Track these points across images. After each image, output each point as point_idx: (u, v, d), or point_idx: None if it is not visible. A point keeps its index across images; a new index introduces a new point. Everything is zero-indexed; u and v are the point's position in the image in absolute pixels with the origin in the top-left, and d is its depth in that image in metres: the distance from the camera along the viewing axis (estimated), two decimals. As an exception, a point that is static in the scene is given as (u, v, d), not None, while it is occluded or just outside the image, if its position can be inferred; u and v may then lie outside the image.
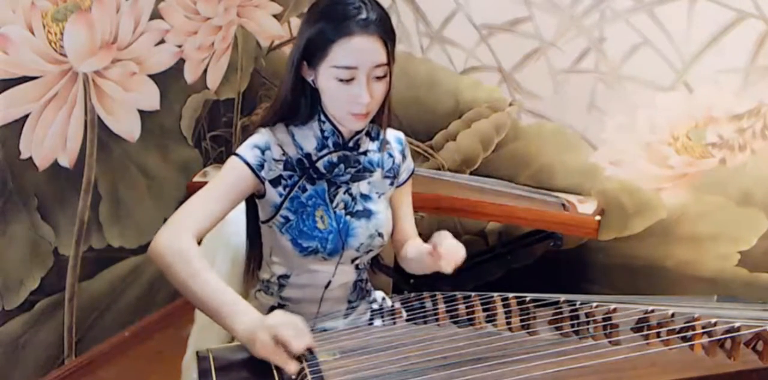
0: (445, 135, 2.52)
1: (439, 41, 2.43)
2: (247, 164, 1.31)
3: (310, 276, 1.41)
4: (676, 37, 2.11)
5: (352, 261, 1.43)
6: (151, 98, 2.35)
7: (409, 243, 1.53)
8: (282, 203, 1.35)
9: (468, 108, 2.46)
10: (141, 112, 2.32)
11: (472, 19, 2.35)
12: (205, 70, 2.56)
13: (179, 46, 2.40)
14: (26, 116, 1.94)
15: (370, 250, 1.43)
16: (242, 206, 1.41)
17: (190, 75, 2.49)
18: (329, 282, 1.43)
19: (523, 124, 2.40)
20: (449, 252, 1.32)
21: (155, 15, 2.28)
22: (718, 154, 2.16)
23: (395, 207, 1.52)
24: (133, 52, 2.22)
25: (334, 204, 1.38)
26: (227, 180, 1.31)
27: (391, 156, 1.47)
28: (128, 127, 2.28)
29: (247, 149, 1.32)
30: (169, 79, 2.39)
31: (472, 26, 2.36)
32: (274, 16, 2.69)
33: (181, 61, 2.43)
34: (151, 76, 2.32)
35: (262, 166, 1.32)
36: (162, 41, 2.33)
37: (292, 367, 1.10)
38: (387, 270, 2.08)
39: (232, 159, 1.32)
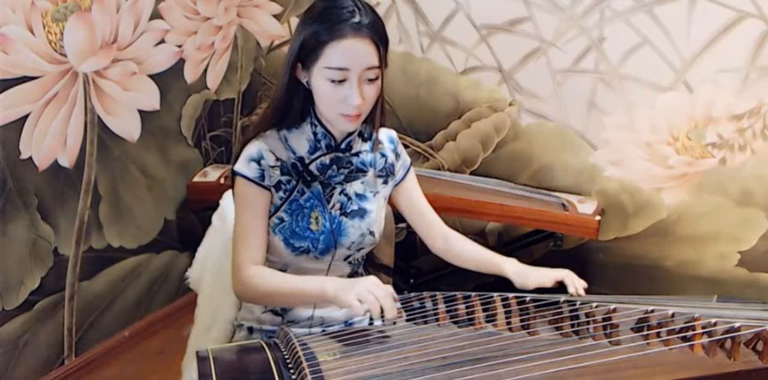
0: (445, 135, 2.52)
1: (439, 41, 2.43)
2: (250, 179, 1.36)
3: (304, 272, 1.45)
4: (676, 37, 2.11)
5: (345, 258, 1.48)
6: (151, 98, 2.35)
7: (463, 242, 1.58)
8: (281, 206, 1.40)
9: (468, 108, 2.45)
10: (141, 112, 2.32)
11: (472, 19, 2.35)
12: (205, 70, 2.56)
13: (179, 46, 2.40)
14: (26, 116, 1.94)
15: (362, 248, 1.48)
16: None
17: (190, 75, 2.49)
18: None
19: (523, 124, 2.39)
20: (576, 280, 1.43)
21: (155, 15, 2.28)
22: (718, 154, 2.16)
23: (409, 204, 1.56)
24: (133, 52, 2.22)
25: (331, 205, 1.42)
26: (243, 203, 1.38)
27: (383, 155, 1.50)
28: (128, 127, 2.28)
29: (244, 165, 1.37)
30: (169, 79, 2.39)
31: (472, 26, 2.36)
32: (274, 16, 2.69)
33: (181, 61, 2.43)
34: (151, 76, 2.32)
35: (263, 177, 1.37)
36: (162, 41, 2.33)
37: (393, 311, 1.18)
38: (387, 270, 2.08)
39: (236, 180, 1.38)
